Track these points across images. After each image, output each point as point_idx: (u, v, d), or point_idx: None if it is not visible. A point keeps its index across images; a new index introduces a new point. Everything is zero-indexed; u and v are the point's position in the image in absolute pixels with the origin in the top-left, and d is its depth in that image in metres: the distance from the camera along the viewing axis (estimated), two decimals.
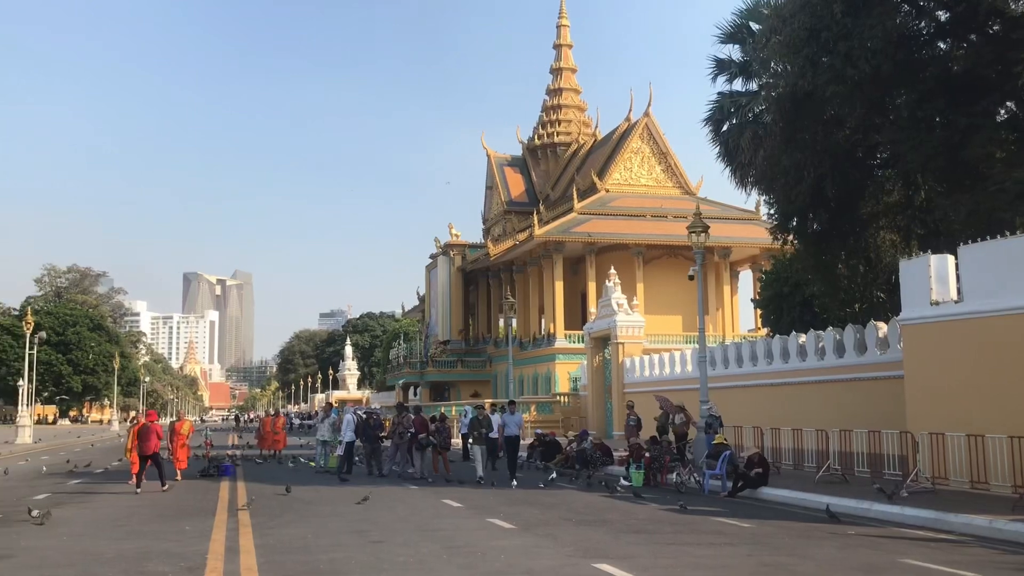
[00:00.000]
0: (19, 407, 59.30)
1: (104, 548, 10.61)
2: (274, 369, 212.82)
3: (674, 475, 18.27)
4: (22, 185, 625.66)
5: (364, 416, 23.45)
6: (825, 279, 24.90)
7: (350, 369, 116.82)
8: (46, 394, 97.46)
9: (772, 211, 25.02)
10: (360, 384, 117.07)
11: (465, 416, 29.17)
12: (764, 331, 39.03)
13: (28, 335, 52.07)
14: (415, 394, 68.39)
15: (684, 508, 14.38)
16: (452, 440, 25.81)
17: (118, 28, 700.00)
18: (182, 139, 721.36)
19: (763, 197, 26.94)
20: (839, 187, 21.02)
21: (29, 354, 55.35)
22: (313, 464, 25.49)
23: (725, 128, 28.62)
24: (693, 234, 22.16)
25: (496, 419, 22.65)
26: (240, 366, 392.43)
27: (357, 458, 23.52)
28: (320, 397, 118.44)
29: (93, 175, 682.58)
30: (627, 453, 21.37)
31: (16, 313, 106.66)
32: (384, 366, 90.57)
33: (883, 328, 20.50)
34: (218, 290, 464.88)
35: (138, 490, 17.63)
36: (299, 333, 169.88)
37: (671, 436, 21.90)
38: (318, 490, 18.17)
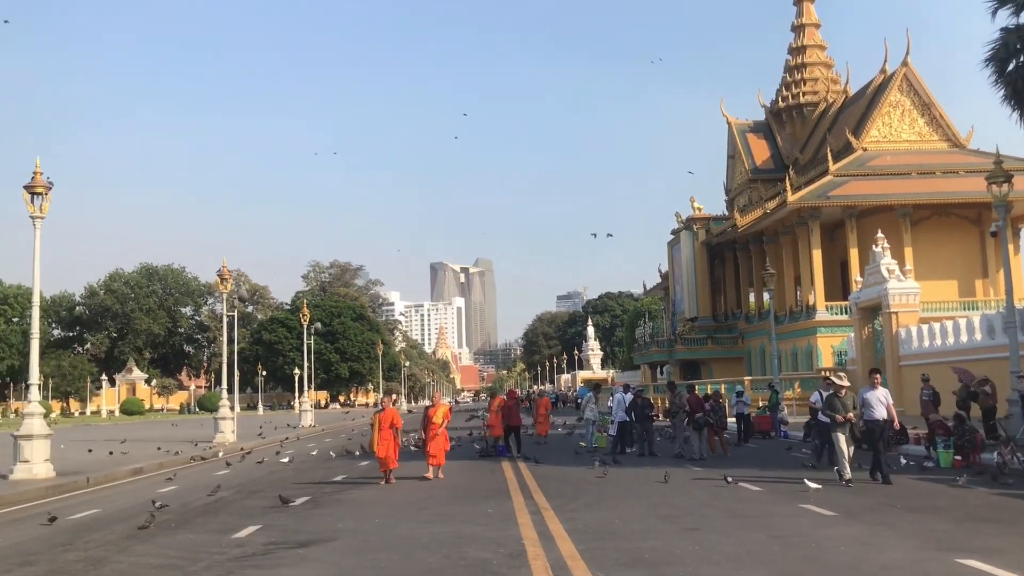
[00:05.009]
0: (297, 393, 64.29)
1: (418, 532, 10.72)
2: (519, 351, 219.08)
3: (994, 455, 16.35)
4: (285, 187, 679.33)
5: (634, 396, 22.97)
6: None
7: (593, 349, 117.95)
8: (318, 381, 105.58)
9: None
10: (603, 364, 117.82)
11: (818, 394, 27.99)
12: None
13: (305, 327, 56.05)
14: (663, 373, 67.48)
15: None
16: (728, 419, 24.87)
17: (357, 27, 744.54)
18: (416, 135, 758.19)
19: None
20: None
21: (307, 344, 59.74)
22: (584, 444, 25.36)
23: (1011, 68, 25.62)
24: (994, 185, 19.90)
25: (875, 395, 15.30)
26: (486, 349, 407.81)
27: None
28: (566, 377, 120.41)
29: (342, 176, 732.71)
30: (925, 431, 19.54)
31: (288, 307, 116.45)
32: (629, 345, 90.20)
33: None
34: (462, 278, 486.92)
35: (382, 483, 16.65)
36: (541, 315, 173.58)
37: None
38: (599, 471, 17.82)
